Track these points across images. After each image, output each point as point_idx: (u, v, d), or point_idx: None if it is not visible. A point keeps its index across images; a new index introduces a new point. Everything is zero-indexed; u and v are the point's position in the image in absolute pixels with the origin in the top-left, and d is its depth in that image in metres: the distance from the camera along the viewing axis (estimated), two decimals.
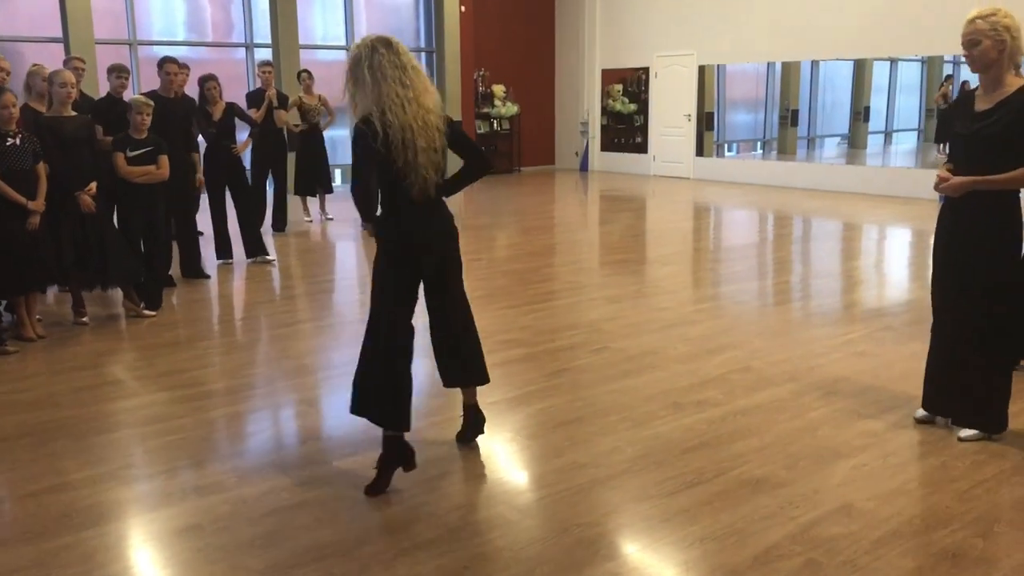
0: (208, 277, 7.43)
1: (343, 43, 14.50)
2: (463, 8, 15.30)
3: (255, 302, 6.88)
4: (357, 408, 3.48)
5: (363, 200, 3.39)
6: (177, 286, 7.09)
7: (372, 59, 3.27)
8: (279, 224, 9.82)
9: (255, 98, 9.30)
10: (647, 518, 3.17)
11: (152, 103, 6.31)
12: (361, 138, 3.25)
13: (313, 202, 10.80)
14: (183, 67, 8.00)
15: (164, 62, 7.19)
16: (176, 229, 7.31)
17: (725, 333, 5.62)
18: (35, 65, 6.45)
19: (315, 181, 10.42)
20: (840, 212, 11.25)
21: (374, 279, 3.46)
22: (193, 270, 7.41)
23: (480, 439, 3.87)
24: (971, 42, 3.53)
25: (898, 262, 8.56)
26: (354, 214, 11.22)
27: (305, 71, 10.39)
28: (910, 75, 17.73)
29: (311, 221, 10.58)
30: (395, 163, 3.24)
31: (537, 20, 16.85)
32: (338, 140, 14.36)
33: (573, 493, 3.36)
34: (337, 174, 14.12)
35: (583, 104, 16.93)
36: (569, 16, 16.86)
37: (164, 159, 6.29)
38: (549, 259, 8.44)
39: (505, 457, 3.78)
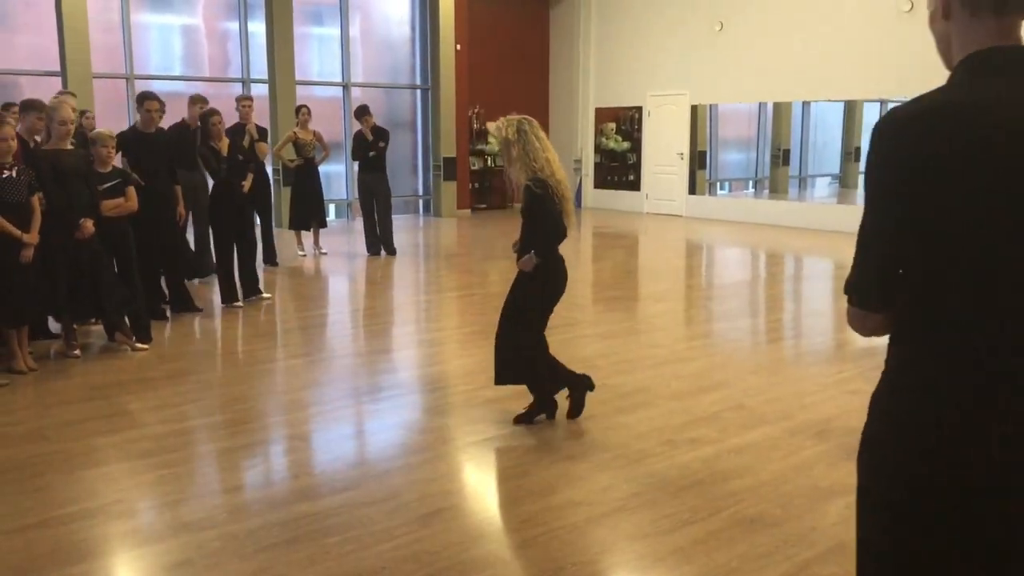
0: (200, 311, 7.40)
1: (339, 79, 14.62)
2: (459, 47, 15.47)
3: (247, 336, 6.86)
4: (504, 380, 4.43)
5: (557, 237, 4.30)
6: (169, 320, 7.07)
7: (532, 131, 4.29)
8: (270, 258, 9.82)
9: (235, 132, 9.30)
10: (642, 557, 3.15)
11: (114, 136, 6.33)
12: (541, 199, 4.17)
13: (307, 236, 10.81)
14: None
15: (144, 99, 7.13)
16: (165, 263, 7.24)
17: (718, 370, 5.63)
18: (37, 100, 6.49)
19: (310, 215, 10.46)
20: (831, 251, 11.32)
21: (531, 307, 4.34)
22: (182, 304, 7.37)
23: (473, 477, 3.85)
24: None
25: None
26: (346, 248, 11.33)
27: (304, 107, 10.48)
28: None
29: (304, 255, 10.59)
30: (562, 211, 4.22)
31: (532, 59, 17.04)
32: (333, 175, 14.44)
33: (567, 531, 3.34)
34: (331, 209, 14.15)
35: (577, 142, 17.06)
36: (563, 55, 17.06)
37: (131, 191, 6.28)
38: None
39: (499, 494, 3.75)
